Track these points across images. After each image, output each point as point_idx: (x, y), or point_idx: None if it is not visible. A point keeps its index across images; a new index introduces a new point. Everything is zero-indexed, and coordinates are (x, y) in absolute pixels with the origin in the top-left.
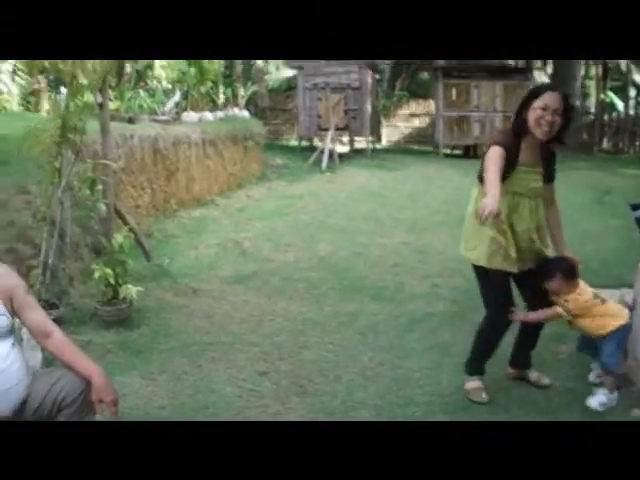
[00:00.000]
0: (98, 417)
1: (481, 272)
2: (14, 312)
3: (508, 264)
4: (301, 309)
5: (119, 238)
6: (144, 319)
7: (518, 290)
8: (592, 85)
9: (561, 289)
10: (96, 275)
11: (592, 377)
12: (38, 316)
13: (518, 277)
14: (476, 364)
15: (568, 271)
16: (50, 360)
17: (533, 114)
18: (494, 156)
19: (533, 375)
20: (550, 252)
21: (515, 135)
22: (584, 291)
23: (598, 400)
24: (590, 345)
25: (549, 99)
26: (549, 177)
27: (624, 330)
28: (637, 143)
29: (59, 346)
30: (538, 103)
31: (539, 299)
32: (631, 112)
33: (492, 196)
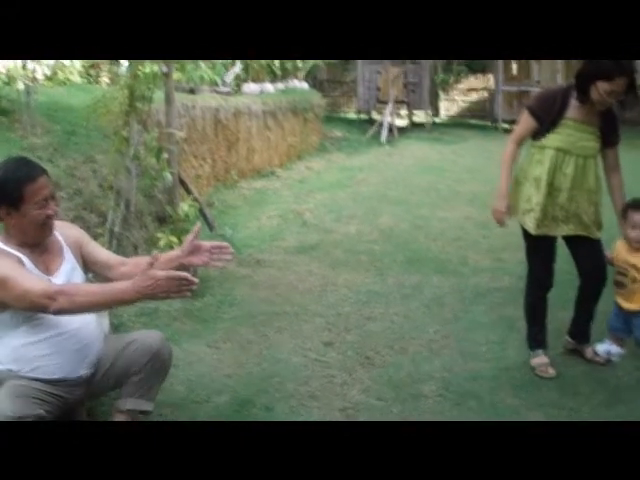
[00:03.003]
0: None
1: (525, 233)
2: (84, 262)
3: (547, 225)
4: (365, 280)
5: (185, 207)
6: (208, 288)
7: (572, 258)
8: None
9: None
10: (161, 243)
11: (601, 350)
12: (108, 251)
13: (569, 242)
14: (533, 336)
15: None
16: (116, 326)
17: (596, 93)
18: (517, 130)
19: (589, 351)
20: (593, 219)
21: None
22: None
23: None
24: (622, 325)
25: (617, 85)
26: (609, 140)
27: None
28: None
29: (138, 263)
30: (605, 87)
31: (593, 267)
32: None
33: (499, 197)
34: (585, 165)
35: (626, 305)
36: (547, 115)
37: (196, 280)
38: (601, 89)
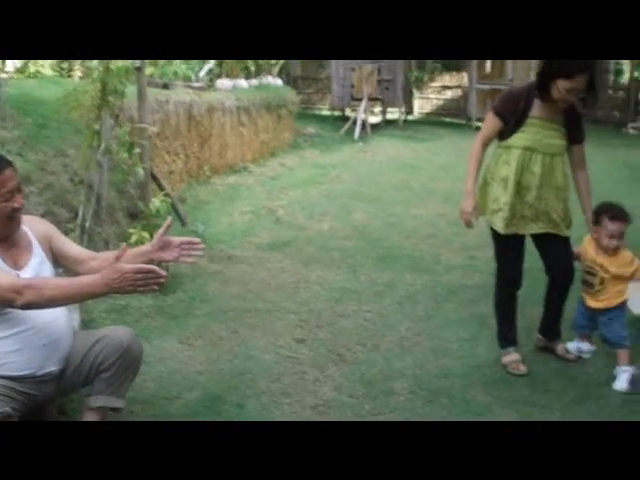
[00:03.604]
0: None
1: (494, 233)
2: (54, 256)
3: (516, 224)
4: (337, 277)
5: (156, 202)
6: (180, 284)
7: (540, 256)
8: (626, 62)
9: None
10: (133, 239)
11: (572, 347)
12: (78, 246)
13: (538, 240)
14: (504, 334)
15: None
16: (87, 322)
17: (557, 91)
18: (483, 130)
19: (559, 348)
20: (562, 217)
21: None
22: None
23: (624, 380)
24: (587, 323)
25: (577, 83)
26: (574, 137)
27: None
28: None
29: (108, 257)
30: (564, 85)
31: (562, 265)
32: None
33: (465, 198)
34: (552, 163)
35: (593, 304)
36: (512, 115)
37: (164, 273)
38: (561, 87)
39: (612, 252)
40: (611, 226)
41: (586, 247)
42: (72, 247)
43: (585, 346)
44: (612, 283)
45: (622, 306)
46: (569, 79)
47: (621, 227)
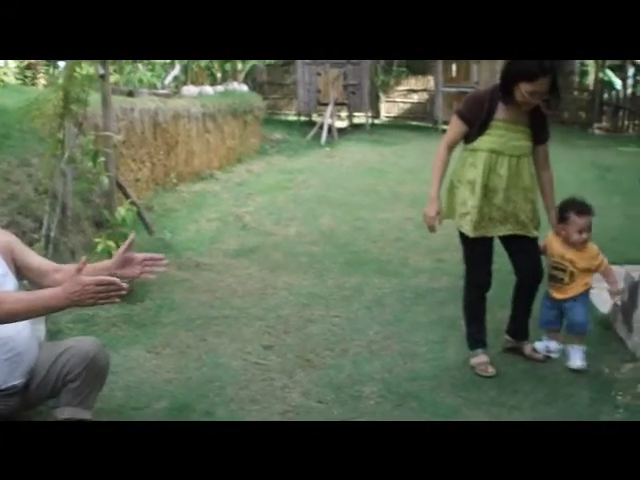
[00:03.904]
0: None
1: (462, 236)
2: (17, 268)
3: (484, 227)
4: (304, 283)
5: (122, 211)
6: (147, 293)
7: (509, 257)
8: (591, 63)
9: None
10: (99, 248)
11: (540, 347)
12: (42, 258)
13: (506, 241)
14: (472, 336)
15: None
16: (53, 333)
17: (520, 94)
18: (448, 134)
19: (527, 348)
20: (530, 218)
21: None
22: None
23: (579, 357)
24: (554, 318)
25: (539, 86)
26: (539, 138)
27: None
28: (636, 122)
29: (71, 270)
30: (527, 88)
31: (531, 265)
32: (629, 91)
33: (429, 202)
34: (519, 164)
35: (561, 295)
36: (477, 118)
37: (125, 285)
38: (524, 90)
39: (580, 246)
40: (579, 221)
41: (552, 243)
42: (35, 259)
43: (553, 345)
44: (580, 276)
45: (587, 292)
46: (531, 82)
47: (588, 220)
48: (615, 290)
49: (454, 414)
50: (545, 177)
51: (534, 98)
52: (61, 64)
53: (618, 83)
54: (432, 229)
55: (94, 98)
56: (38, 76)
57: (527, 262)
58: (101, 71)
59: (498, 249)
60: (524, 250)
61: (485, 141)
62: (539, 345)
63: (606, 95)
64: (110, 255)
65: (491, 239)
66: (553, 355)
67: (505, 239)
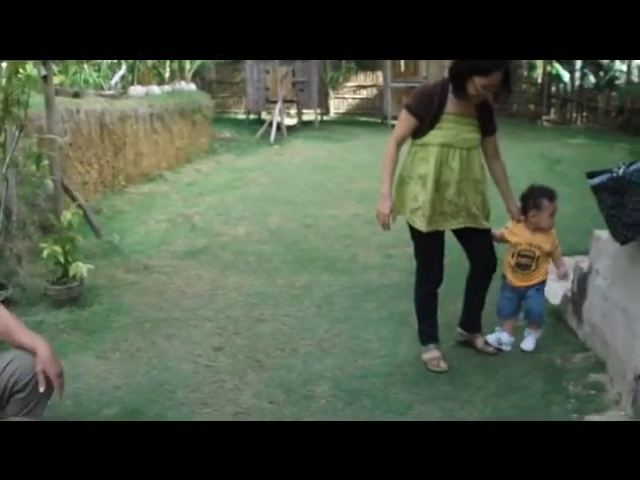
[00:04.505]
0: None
1: (414, 231)
2: None
3: (436, 221)
4: (254, 282)
5: (68, 215)
6: (96, 297)
7: (463, 248)
8: None
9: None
10: (45, 253)
11: (492, 339)
12: None
13: (459, 234)
14: (424, 331)
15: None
16: None
17: (473, 88)
18: (397, 130)
19: (479, 341)
20: (481, 209)
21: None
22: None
23: (531, 340)
24: (515, 308)
25: (493, 79)
26: (487, 130)
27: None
28: (584, 114)
29: (4, 322)
30: (481, 81)
31: (485, 256)
32: (577, 83)
33: (382, 200)
34: (469, 157)
35: (525, 283)
36: (427, 113)
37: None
38: (478, 83)
39: (548, 230)
40: (551, 206)
41: (517, 232)
42: None
43: (505, 337)
44: (543, 261)
45: (545, 282)
46: (485, 76)
47: (555, 204)
48: (563, 271)
49: (407, 410)
50: (498, 166)
51: (487, 91)
52: (3, 65)
53: (566, 76)
54: (386, 227)
55: (38, 100)
56: None
57: (481, 252)
58: (43, 72)
59: (448, 242)
60: (477, 241)
61: (436, 135)
62: (491, 337)
63: (554, 88)
64: (57, 260)
65: (442, 233)
66: (505, 348)
67: (458, 232)
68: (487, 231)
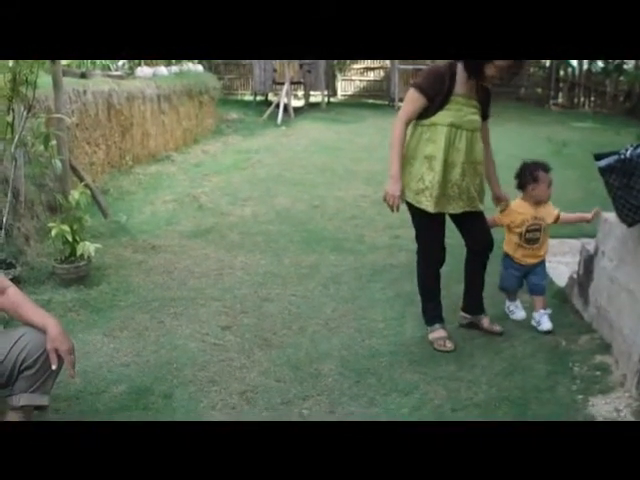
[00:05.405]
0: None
1: (416, 212)
2: None
3: (442, 203)
4: (261, 262)
5: (75, 194)
6: (103, 276)
7: (458, 230)
8: None
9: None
10: (53, 233)
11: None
12: None
13: (455, 217)
14: (429, 312)
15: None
16: (7, 321)
17: (493, 69)
18: (405, 109)
19: (485, 322)
20: (478, 191)
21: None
22: None
23: (547, 320)
24: (518, 283)
25: (513, 62)
26: (485, 113)
27: None
28: (592, 98)
29: (14, 300)
30: (502, 64)
31: (482, 237)
32: (585, 67)
33: (392, 181)
34: (472, 138)
35: (534, 260)
36: (438, 93)
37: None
38: (498, 66)
39: (547, 201)
40: (547, 177)
41: (520, 210)
42: None
43: (514, 306)
44: (546, 234)
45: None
46: (507, 59)
47: (550, 176)
48: (593, 214)
49: (412, 390)
50: (488, 153)
51: (504, 73)
52: None
53: (574, 60)
54: (396, 208)
55: (46, 81)
56: None
57: (479, 232)
58: None
59: (449, 225)
60: (473, 222)
61: (444, 115)
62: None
63: (562, 72)
64: (64, 239)
65: (444, 215)
66: (516, 316)
67: (454, 215)
68: (481, 213)
